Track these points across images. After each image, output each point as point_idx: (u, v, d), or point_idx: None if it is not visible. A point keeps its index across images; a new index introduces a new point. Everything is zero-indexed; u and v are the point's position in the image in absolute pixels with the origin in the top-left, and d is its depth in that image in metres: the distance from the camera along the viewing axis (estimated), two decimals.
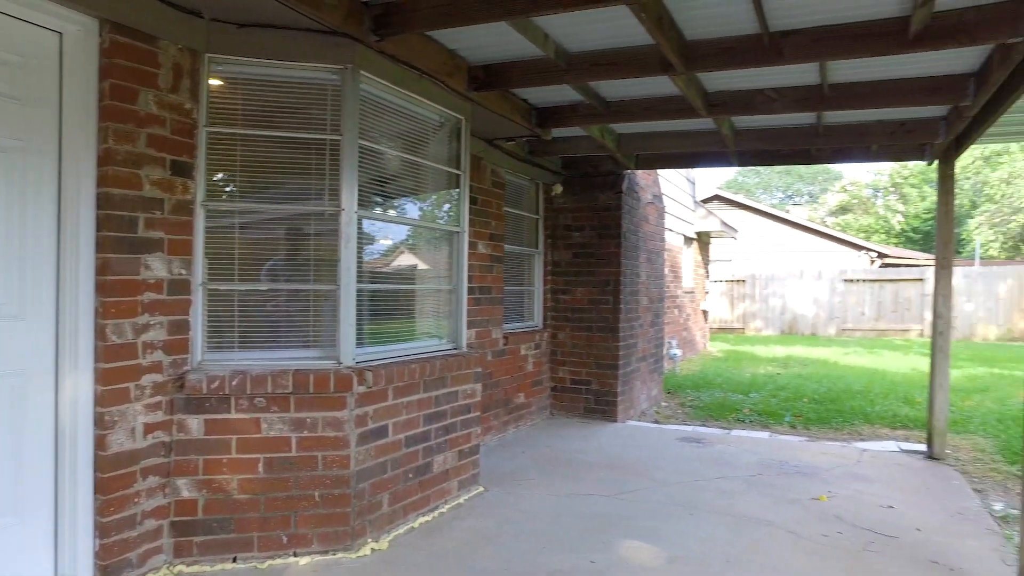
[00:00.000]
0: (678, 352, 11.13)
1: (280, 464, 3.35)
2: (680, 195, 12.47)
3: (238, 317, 3.50)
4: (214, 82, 3.41)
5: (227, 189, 3.54)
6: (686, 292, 13.20)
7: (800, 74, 4.38)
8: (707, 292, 15.30)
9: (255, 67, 3.46)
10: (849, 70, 4.28)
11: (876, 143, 5.66)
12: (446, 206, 4.75)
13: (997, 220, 28.43)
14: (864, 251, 23.00)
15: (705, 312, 15.07)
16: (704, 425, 7.15)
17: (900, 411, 7.56)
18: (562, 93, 4.91)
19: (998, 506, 4.53)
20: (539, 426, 6.80)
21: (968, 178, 29.15)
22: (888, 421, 7.20)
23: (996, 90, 4.07)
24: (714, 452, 5.85)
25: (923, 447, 5.99)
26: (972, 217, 30.34)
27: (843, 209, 41.94)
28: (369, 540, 3.57)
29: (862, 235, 34.83)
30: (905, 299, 19.10)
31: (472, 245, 5.24)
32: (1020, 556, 3.08)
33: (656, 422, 7.34)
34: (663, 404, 8.42)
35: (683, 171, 12.81)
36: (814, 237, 23.68)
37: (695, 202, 14.13)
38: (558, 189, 7.19)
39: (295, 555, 3.37)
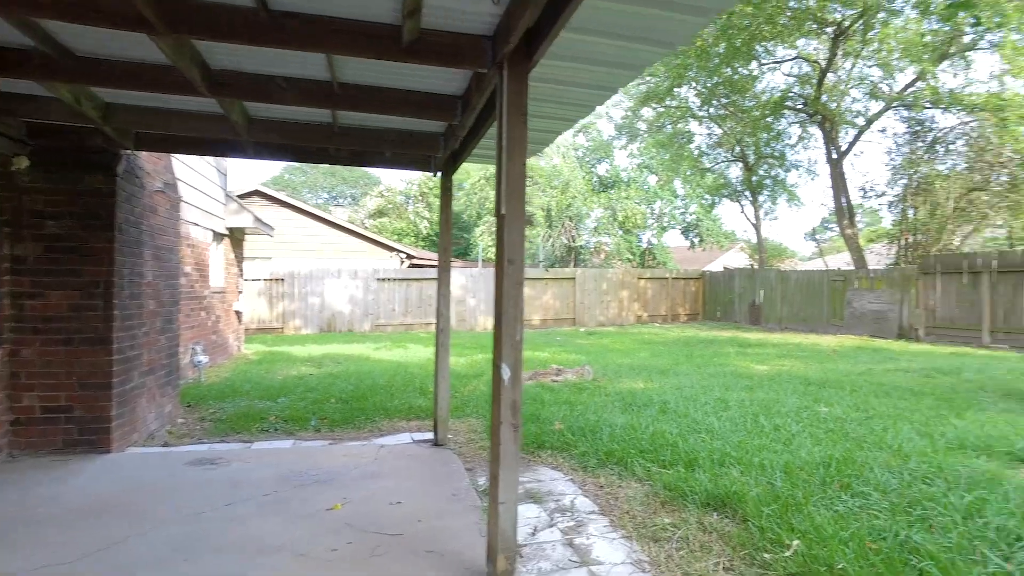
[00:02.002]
0: (204, 359, 10.07)
1: None
2: (208, 186, 11.33)
3: None
4: None
5: None
6: (216, 292, 12.11)
7: (312, 67, 4.18)
8: (241, 292, 14.39)
9: None
10: (357, 72, 4.25)
11: (389, 150, 5.89)
12: None
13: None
14: (396, 252, 25.23)
15: (239, 313, 14.15)
16: (223, 441, 6.47)
17: (416, 402, 8.16)
18: (2, 31, 3.66)
19: (481, 480, 5.13)
20: None
21: (475, 194, 34.85)
22: (405, 413, 7.67)
23: (477, 115, 4.57)
24: (229, 472, 5.26)
25: (431, 435, 6.54)
26: (477, 226, 36.46)
27: (380, 212, 45.67)
28: None
29: (395, 237, 38.41)
30: (428, 296, 21.58)
31: None
32: (489, 528, 3.44)
33: (166, 444, 6.33)
34: (180, 421, 7.39)
35: (213, 161, 11.69)
36: (353, 238, 24.90)
37: (227, 195, 13.08)
38: (22, 163, 5.52)
39: None
